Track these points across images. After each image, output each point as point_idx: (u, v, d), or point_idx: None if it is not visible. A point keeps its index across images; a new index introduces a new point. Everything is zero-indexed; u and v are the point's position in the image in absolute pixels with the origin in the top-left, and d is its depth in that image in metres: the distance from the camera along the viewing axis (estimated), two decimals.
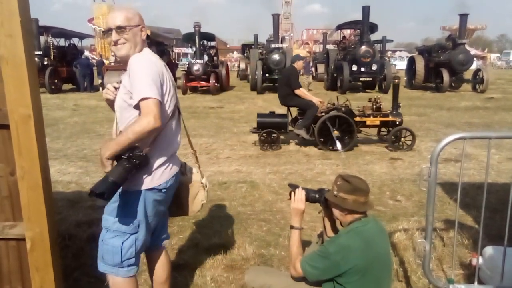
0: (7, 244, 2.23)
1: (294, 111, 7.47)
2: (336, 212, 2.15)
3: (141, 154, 1.87)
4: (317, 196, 2.26)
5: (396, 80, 7.55)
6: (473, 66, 19.83)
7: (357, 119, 7.07)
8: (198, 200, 2.39)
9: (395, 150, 6.99)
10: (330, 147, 6.97)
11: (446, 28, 40.73)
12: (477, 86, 17.62)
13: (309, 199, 2.27)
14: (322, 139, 6.95)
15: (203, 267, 3.02)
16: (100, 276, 2.86)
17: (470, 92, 17.50)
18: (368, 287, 1.97)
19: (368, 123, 7.23)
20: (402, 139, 7.11)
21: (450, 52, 17.67)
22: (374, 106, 7.38)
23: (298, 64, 7.19)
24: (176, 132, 2.14)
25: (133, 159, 1.84)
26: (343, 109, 7.04)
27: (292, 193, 2.27)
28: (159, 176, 2.01)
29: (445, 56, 17.97)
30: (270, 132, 7.05)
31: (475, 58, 23.02)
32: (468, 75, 18.32)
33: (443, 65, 17.54)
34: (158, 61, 2.00)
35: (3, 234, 2.17)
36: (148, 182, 1.98)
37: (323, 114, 6.96)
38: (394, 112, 7.33)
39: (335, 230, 2.27)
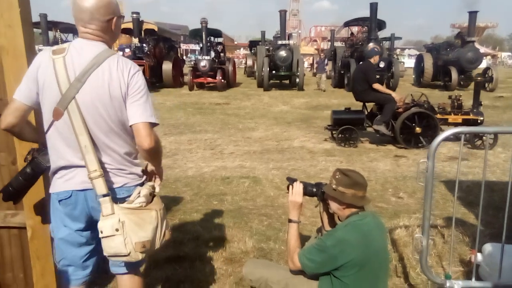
0: (9, 232, 2.28)
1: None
2: (334, 206, 2.16)
3: (36, 159, 1.83)
4: (315, 190, 2.27)
5: (479, 78, 7.43)
6: (483, 65, 19.60)
7: (438, 116, 6.95)
8: (158, 234, 1.76)
9: (473, 148, 6.77)
10: (414, 144, 6.81)
11: (455, 26, 40.23)
12: (486, 85, 17.41)
13: (306, 193, 2.28)
14: (402, 136, 6.80)
15: (203, 260, 3.05)
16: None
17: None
18: (365, 281, 1.98)
19: (450, 120, 7.08)
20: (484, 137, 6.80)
21: (458, 50, 17.48)
22: (456, 104, 7.25)
23: (375, 59, 7.09)
24: (64, 140, 1.70)
25: (28, 164, 1.85)
26: (425, 105, 6.92)
27: (290, 186, 2.29)
28: (53, 183, 1.80)
29: (453, 54, 17.78)
30: (347, 128, 6.96)
31: (484, 57, 22.78)
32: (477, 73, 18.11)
33: (452, 63, 17.37)
34: (44, 57, 1.68)
35: (5, 222, 2.22)
36: (51, 186, 1.82)
37: (400, 110, 6.84)
38: (475, 110, 7.15)
39: (333, 224, 2.28)
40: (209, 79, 17.09)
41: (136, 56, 16.94)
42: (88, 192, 1.73)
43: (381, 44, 17.62)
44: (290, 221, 2.23)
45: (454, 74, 16.83)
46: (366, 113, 7.26)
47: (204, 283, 2.76)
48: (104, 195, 1.66)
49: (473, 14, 17.10)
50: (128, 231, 1.66)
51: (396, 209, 4.21)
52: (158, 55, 18.23)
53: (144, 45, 17.34)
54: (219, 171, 5.53)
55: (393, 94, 6.93)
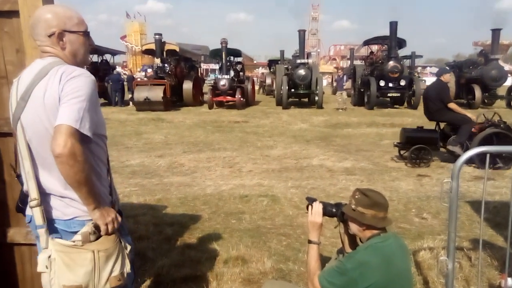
0: (30, 249, 2.31)
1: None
2: (354, 227, 2.10)
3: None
4: (334, 210, 2.22)
5: None
6: (507, 83, 19.13)
7: None
8: (96, 280, 1.55)
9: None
10: (491, 166, 6.38)
11: (478, 44, 39.67)
12: None
13: (326, 213, 2.23)
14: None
15: (221, 280, 3.00)
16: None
17: (505, 109, 16.83)
18: None
19: None
20: None
21: (482, 67, 17.18)
22: None
23: (445, 77, 6.99)
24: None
25: None
26: (501, 125, 6.71)
27: (310, 206, 2.24)
28: None
29: (477, 71, 17.46)
30: (420, 148, 6.80)
31: (509, 74, 22.25)
32: (502, 91, 17.69)
33: (475, 81, 17.05)
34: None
35: (27, 239, 2.25)
36: None
37: (475, 130, 6.63)
38: None
39: (354, 245, 2.21)
40: (229, 98, 17.28)
41: (158, 75, 17.35)
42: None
43: (401, 62, 17.50)
44: (310, 242, 2.18)
45: (478, 92, 16.50)
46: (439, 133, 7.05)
47: None
48: (41, 226, 1.54)
49: (496, 32, 16.86)
50: (57, 271, 1.50)
51: (420, 230, 4.08)
52: (179, 75, 18.60)
53: (166, 65, 17.75)
54: (237, 189, 5.51)
55: (469, 114, 6.72)
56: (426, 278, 3.03)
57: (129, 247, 1.71)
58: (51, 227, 1.61)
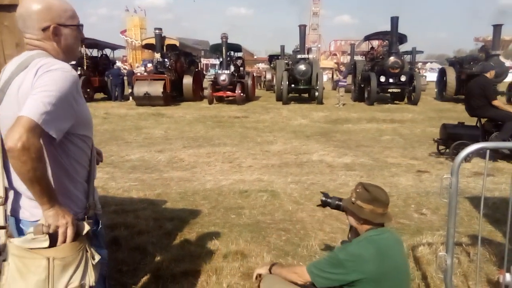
0: None
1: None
2: (351, 220, 2.12)
3: None
4: (329, 201, 2.42)
5: None
6: (508, 78, 19.09)
7: None
8: None
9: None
10: None
11: (479, 39, 39.53)
12: None
13: (330, 204, 2.38)
14: None
15: (220, 274, 3.01)
16: (120, 279, 2.92)
17: (506, 105, 16.84)
18: None
19: None
20: None
21: (483, 63, 17.11)
22: None
23: (491, 73, 6.92)
24: None
25: None
26: None
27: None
28: None
29: (477, 67, 17.40)
30: (462, 143, 6.58)
31: (510, 70, 22.18)
32: (503, 87, 17.66)
33: (476, 76, 16.97)
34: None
35: None
36: None
37: None
38: None
39: (355, 237, 2.23)
40: (229, 93, 17.25)
41: (157, 70, 17.30)
42: (11, 219, 1.54)
43: (402, 58, 17.45)
44: (270, 272, 2.25)
45: None
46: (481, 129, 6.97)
47: None
48: (1, 228, 1.43)
49: (497, 27, 16.78)
50: (9, 278, 1.36)
51: (419, 226, 4.09)
52: (179, 70, 18.56)
53: (166, 60, 17.70)
54: (237, 184, 5.51)
55: None
56: (425, 274, 3.05)
57: (97, 258, 1.52)
58: (18, 228, 1.52)
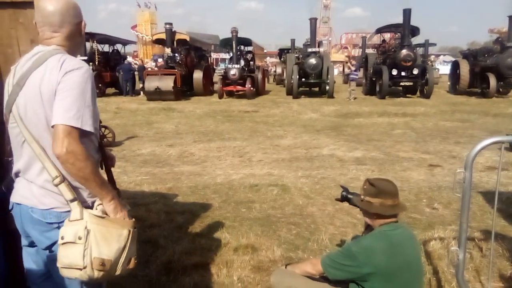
0: None
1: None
2: (365, 218, 2.12)
3: None
4: (344, 194, 2.43)
5: None
6: None
7: None
8: (123, 258, 1.56)
9: None
10: None
11: (494, 31, 38.69)
12: None
13: (350, 200, 2.39)
14: None
15: (231, 267, 3.04)
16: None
17: None
18: None
19: None
20: None
21: (497, 55, 16.80)
22: None
23: None
24: (14, 146, 1.65)
25: None
26: None
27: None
28: None
29: (492, 60, 17.10)
30: None
31: None
32: None
33: (490, 69, 16.69)
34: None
35: None
36: None
37: None
38: None
39: (368, 232, 2.24)
40: (239, 87, 17.25)
41: (168, 65, 17.38)
42: (23, 207, 1.60)
43: (414, 51, 17.21)
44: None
45: (493, 81, 16.15)
46: None
47: None
48: (72, 200, 1.53)
49: None
50: (91, 242, 1.48)
51: (431, 221, 4.05)
52: (190, 64, 18.60)
53: (176, 54, 17.76)
54: (247, 179, 5.53)
55: None
56: (436, 268, 3.03)
57: None
58: (26, 215, 1.59)
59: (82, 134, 1.50)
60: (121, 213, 1.60)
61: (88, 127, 1.49)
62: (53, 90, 1.47)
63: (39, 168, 1.55)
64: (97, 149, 1.69)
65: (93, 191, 1.55)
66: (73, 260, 1.46)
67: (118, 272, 1.55)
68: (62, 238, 1.49)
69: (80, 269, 1.46)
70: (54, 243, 1.56)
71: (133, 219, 1.64)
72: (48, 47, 1.58)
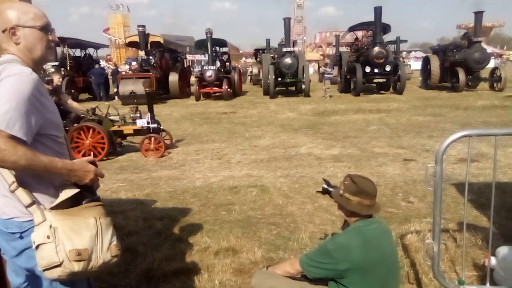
0: None
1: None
2: (341, 212, 2.15)
3: None
4: (326, 186, 2.48)
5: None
6: (491, 65, 19.40)
7: None
8: (99, 245, 1.59)
9: None
10: None
11: (462, 27, 40.08)
12: (495, 85, 17.23)
13: (331, 193, 2.38)
14: None
15: (212, 271, 3.02)
16: (111, 281, 2.90)
17: (488, 91, 17.12)
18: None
19: None
20: None
21: (465, 50, 17.35)
22: None
23: None
24: None
25: None
26: None
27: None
28: None
29: (460, 55, 17.65)
30: None
31: (492, 56, 22.55)
32: (485, 73, 17.94)
33: (459, 64, 17.24)
34: None
35: None
36: None
37: None
38: None
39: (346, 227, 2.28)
40: (215, 89, 17.18)
41: (142, 68, 17.13)
42: None
43: (386, 48, 17.57)
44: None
45: (462, 75, 16.68)
46: None
47: None
48: (30, 204, 1.52)
49: (479, 14, 17.04)
50: (61, 237, 1.50)
51: (407, 214, 4.15)
52: (165, 67, 18.38)
53: (151, 57, 17.51)
54: (226, 181, 5.51)
55: None
56: (413, 261, 3.10)
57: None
58: None
59: (39, 139, 1.51)
60: (89, 175, 1.60)
61: (15, 131, 1.40)
62: None
63: (1, 176, 1.53)
64: (59, 155, 1.62)
65: (48, 176, 1.55)
66: (49, 259, 1.48)
67: (100, 261, 1.56)
68: (34, 242, 1.50)
69: (59, 265, 1.48)
70: (21, 252, 1.57)
71: (100, 205, 1.63)
72: (3, 57, 1.59)
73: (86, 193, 1.62)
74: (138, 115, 7.47)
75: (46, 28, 1.64)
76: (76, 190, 1.58)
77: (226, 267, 3.07)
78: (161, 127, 7.56)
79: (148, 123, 7.23)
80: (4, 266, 1.76)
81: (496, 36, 68.81)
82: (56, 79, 7.40)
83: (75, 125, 6.93)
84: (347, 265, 1.90)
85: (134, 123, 7.35)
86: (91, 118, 7.09)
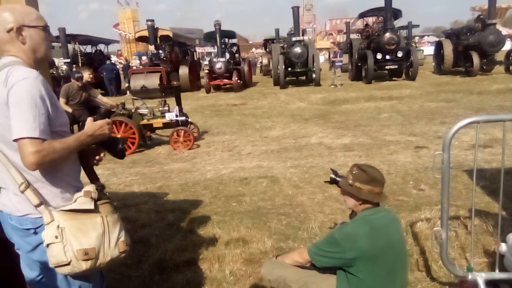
0: None
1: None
2: (350, 202, 2.15)
3: None
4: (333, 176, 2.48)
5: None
6: (506, 47, 18.89)
7: None
8: (106, 243, 1.64)
9: None
10: None
11: (476, 9, 38.99)
12: (511, 68, 16.80)
13: (338, 183, 2.39)
14: None
15: (223, 261, 3.08)
16: (124, 272, 2.98)
17: (503, 74, 16.72)
18: (381, 275, 1.97)
19: None
20: None
21: (479, 33, 16.91)
22: None
23: None
24: None
25: None
26: None
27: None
28: None
29: (474, 38, 17.22)
30: None
31: (508, 38, 21.96)
32: (500, 56, 17.50)
33: (473, 47, 16.82)
34: None
35: None
36: None
37: None
38: None
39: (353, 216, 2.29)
40: (225, 81, 17.19)
41: (153, 62, 17.23)
42: (4, 214, 1.65)
43: (398, 34, 17.27)
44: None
45: (476, 59, 16.30)
46: None
47: (224, 284, 2.79)
48: (38, 205, 1.56)
49: None
50: (69, 237, 1.54)
51: (417, 202, 4.13)
52: (174, 60, 18.45)
53: (160, 51, 17.59)
54: (237, 172, 5.56)
55: None
56: (423, 248, 3.10)
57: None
58: (6, 222, 1.65)
59: (52, 137, 1.55)
60: (102, 129, 1.69)
61: (46, 135, 1.50)
62: (3, 103, 1.50)
63: (12, 176, 1.59)
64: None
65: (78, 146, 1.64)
66: (58, 258, 1.54)
67: (108, 258, 1.62)
68: (44, 241, 1.56)
69: (68, 264, 1.54)
70: (36, 247, 1.63)
71: (108, 203, 1.69)
72: (4, 59, 1.61)
73: (113, 142, 1.78)
74: (167, 108, 7.53)
75: (47, 28, 1.70)
76: (91, 207, 1.62)
77: (237, 257, 3.12)
78: (189, 120, 7.61)
79: (176, 116, 7.29)
80: (16, 261, 1.81)
81: None
82: (87, 75, 7.59)
83: None
84: (355, 253, 1.92)
85: (163, 116, 7.42)
86: (121, 112, 7.18)
